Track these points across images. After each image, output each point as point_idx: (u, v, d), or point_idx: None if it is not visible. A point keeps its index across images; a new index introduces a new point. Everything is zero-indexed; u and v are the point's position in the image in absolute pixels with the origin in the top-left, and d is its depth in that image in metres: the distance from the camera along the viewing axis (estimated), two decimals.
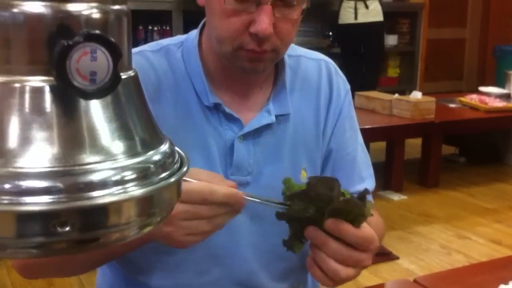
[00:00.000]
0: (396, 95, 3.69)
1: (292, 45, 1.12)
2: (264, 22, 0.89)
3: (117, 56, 0.37)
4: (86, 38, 0.37)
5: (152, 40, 4.59)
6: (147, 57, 1.02)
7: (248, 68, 0.95)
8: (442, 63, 7.21)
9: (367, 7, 4.63)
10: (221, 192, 0.79)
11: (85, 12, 0.41)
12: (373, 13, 4.68)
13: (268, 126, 1.04)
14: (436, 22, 6.77)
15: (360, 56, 4.86)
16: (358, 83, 5.02)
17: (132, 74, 0.45)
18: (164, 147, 0.47)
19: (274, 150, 1.06)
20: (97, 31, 0.38)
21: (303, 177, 1.09)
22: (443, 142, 3.93)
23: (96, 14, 0.42)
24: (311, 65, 1.12)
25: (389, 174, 3.69)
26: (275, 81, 1.07)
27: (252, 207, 1.05)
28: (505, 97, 4.14)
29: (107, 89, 0.38)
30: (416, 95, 3.63)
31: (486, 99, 3.89)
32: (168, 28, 4.69)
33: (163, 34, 4.69)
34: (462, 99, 4.01)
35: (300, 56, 1.12)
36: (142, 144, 0.45)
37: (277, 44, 0.93)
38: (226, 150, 1.02)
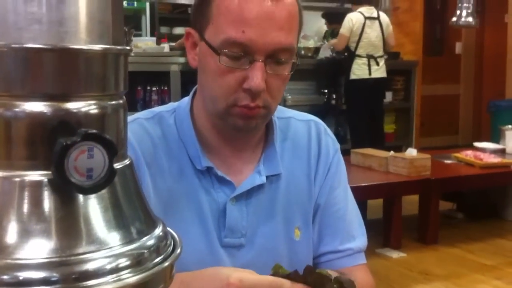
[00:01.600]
0: (392, 152, 3.72)
1: (282, 108, 1.16)
2: (257, 77, 0.93)
3: (113, 153, 0.40)
4: (84, 137, 0.39)
5: (151, 100, 4.70)
6: (142, 124, 1.05)
7: (240, 126, 0.98)
8: (437, 119, 7.29)
9: (377, 64, 4.91)
10: (287, 285, 0.82)
11: (84, 110, 0.44)
12: (382, 70, 5.03)
13: (259, 187, 1.06)
14: (430, 79, 6.90)
15: (369, 110, 5.07)
16: (366, 137, 5.18)
17: (128, 162, 0.48)
18: (158, 231, 0.49)
19: (267, 211, 1.07)
20: (94, 130, 0.40)
21: (297, 236, 1.10)
22: (441, 198, 3.93)
23: (94, 111, 0.45)
24: (300, 126, 1.15)
25: (387, 231, 3.67)
26: (265, 142, 1.10)
27: (247, 266, 1.06)
28: (500, 152, 4.17)
29: (103, 184, 0.40)
30: (412, 152, 3.66)
31: (481, 155, 3.92)
32: (166, 88, 4.77)
33: (162, 94, 4.77)
34: (458, 155, 4.04)
35: (289, 118, 1.15)
36: (137, 230, 0.47)
37: (268, 100, 0.97)
38: (219, 213, 1.04)
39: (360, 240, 1.14)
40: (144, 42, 4.90)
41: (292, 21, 0.97)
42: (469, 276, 3.27)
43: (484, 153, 4.00)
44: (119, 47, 0.46)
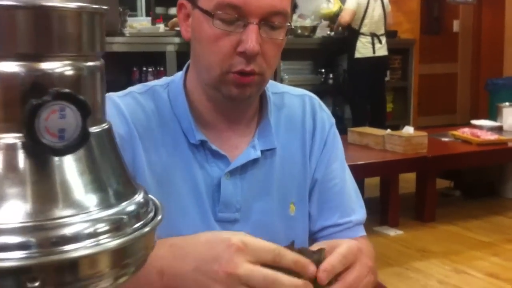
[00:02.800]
0: (388, 131, 3.71)
1: (275, 83, 1.15)
2: (251, 40, 0.92)
3: (86, 113, 0.39)
4: (55, 96, 0.38)
5: (147, 80, 4.65)
6: (136, 98, 1.05)
7: (235, 94, 0.97)
8: (435, 98, 7.28)
9: (380, 42, 4.92)
10: (291, 255, 0.78)
11: (58, 70, 0.42)
12: (384, 48, 5.04)
13: (254, 162, 1.05)
14: (427, 58, 6.87)
15: (371, 89, 5.06)
16: (368, 116, 5.17)
17: (106, 126, 0.47)
18: (138, 197, 0.48)
19: (262, 185, 1.07)
20: (66, 90, 0.39)
21: (292, 211, 1.09)
22: (438, 176, 3.93)
23: (69, 72, 0.43)
24: (295, 101, 1.14)
25: (385, 210, 3.68)
26: (259, 117, 1.09)
27: None
28: (497, 129, 4.16)
29: (76, 145, 0.39)
30: (408, 130, 3.65)
31: (478, 132, 3.91)
32: (162, 69, 4.74)
33: (158, 75, 4.74)
34: (455, 132, 4.03)
35: (283, 93, 1.15)
36: (116, 195, 0.46)
37: (263, 66, 0.96)
38: (214, 187, 1.03)
39: (359, 212, 1.14)
40: (139, 23, 4.86)
41: None
42: (466, 253, 3.29)
43: (481, 130, 4.00)
44: (94, 6, 0.44)
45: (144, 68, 4.75)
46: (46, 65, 0.42)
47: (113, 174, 0.46)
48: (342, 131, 4.08)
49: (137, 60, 4.71)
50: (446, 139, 4.01)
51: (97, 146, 0.45)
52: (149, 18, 5.23)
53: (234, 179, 1.04)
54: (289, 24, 0.99)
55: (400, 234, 3.57)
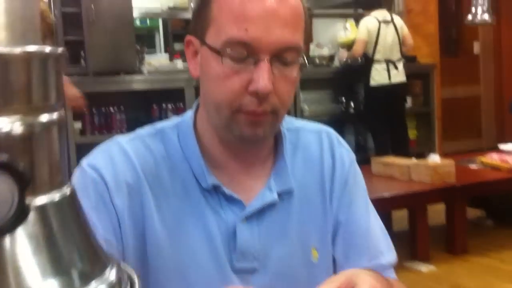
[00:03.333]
0: (413, 159, 3.59)
1: (290, 118, 1.09)
2: (263, 78, 0.86)
3: (24, 185, 0.31)
4: None
5: (167, 118, 4.65)
6: (144, 141, 0.99)
7: (247, 134, 0.91)
8: (459, 122, 7.12)
9: (396, 68, 4.80)
10: None
11: (4, 129, 0.35)
12: (402, 74, 4.89)
13: (271, 205, 0.98)
14: (448, 81, 6.74)
15: (391, 116, 4.94)
16: (390, 144, 5.04)
17: (68, 192, 0.39)
18: (109, 274, 0.40)
19: (281, 230, 1.00)
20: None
21: (315, 257, 1.02)
22: (468, 205, 3.78)
23: (17, 130, 0.36)
24: (311, 137, 1.08)
25: (414, 243, 3.52)
26: (274, 156, 1.03)
27: None
28: None
29: (12, 225, 0.31)
30: (434, 158, 3.53)
31: (507, 157, 3.77)
32: (181, 105, 4.72)
33: (177, 111, 4.72)
34: (483, 159, 3.89)
35: (299, 129, 1.08)
36: (81, 276, 0.38)
37: (276, 104, 0.90)
38: (229, 234, 0.96)
39: (388, 255, 1.06)
40: (157, 60, 4.86)
41: (297, 19, 0.91)
42: (503, 287, 3.12)
43: (510, 155, 3.85)
44: (47, 49, 0.37)
45: (164, 105, 4.73)
46: None
47: (76, 250, 0.39)
48: (366, 161, 4.00)
49: (156, 97, 4.70)
50: (474, 166, 3.87)
51: (56, 217, 0.37)
52: (167, 55, 5.24)
53: (250, 224, 0.97)
54: (302, 58, 0.92)
55: (432, 270, 3.40)
